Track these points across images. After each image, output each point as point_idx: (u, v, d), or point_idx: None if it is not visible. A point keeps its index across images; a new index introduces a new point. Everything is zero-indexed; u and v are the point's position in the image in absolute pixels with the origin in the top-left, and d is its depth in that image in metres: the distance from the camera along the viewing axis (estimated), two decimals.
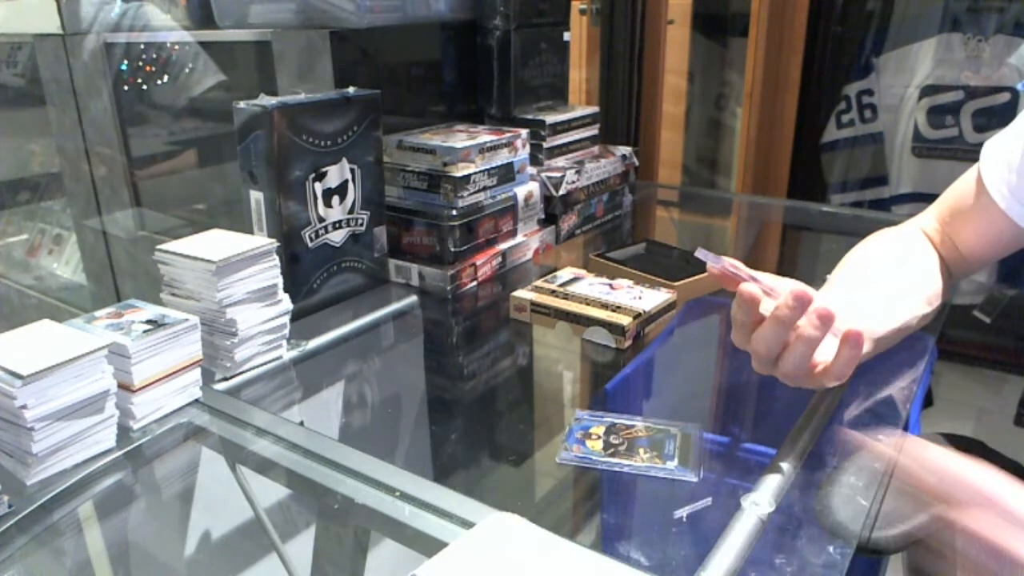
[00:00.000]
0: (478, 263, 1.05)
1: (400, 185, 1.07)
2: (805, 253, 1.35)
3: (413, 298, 1.02)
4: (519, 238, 1.14)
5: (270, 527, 0.65)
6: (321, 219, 0.94)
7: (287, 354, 0.85)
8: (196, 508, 0.71)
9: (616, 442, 0.66)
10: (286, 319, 0.83)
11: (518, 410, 0.81)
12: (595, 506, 0.65)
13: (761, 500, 0.55)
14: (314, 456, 0.65)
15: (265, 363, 0.82)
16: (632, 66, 1.78)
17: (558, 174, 1.18)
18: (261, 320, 0.80)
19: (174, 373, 0.72)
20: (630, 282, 0.96)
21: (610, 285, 0.95)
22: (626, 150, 1.36)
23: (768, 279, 0.60)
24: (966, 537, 0.48)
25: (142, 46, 1.40)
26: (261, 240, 0.79)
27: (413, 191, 1.06)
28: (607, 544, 0.60)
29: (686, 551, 0.57)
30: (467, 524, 0.55)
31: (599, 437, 0.67)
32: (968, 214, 0.75)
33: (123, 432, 0.69)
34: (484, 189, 1.07)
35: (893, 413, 0.69)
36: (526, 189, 1.14)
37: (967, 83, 2.08)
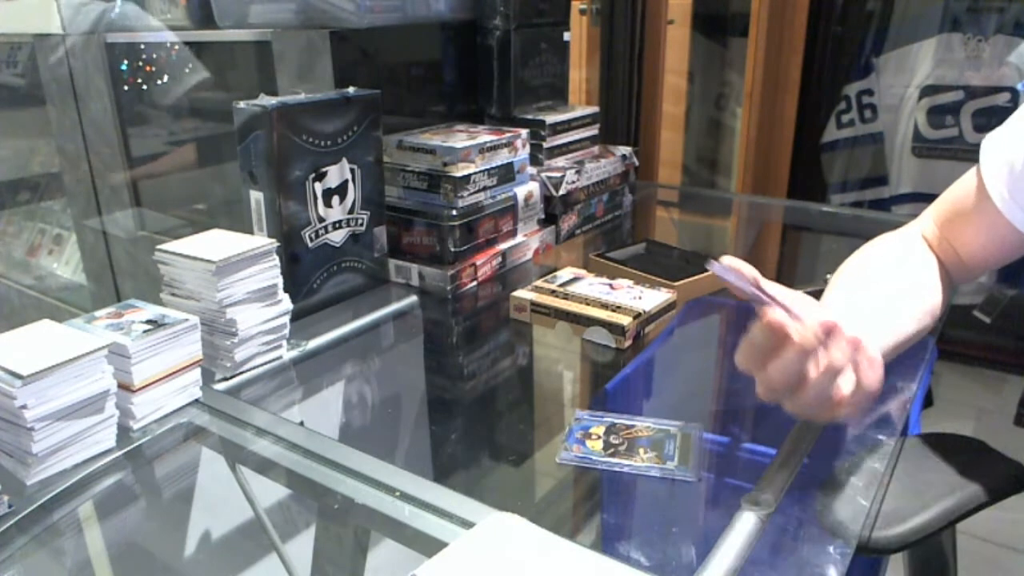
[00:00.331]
0: (478, 263, 1.05)
1: (400, 185, 1.07)
2: (805, 253, 1.35)
3: (413, 298, 1.02)
4: (519, 238, 1.14)
5: (270, 527, 0.65)
6: (321, 219, 0.94)
7: (287, 354, 0.85)
8: (196, 508, 0.71)
9: (616, 442, 0.66)
10: (286, 319, 0.83)
11: (518, 410, 0.81)
12: (595, 506, 0.65)
13: (761, 500, 0.55)
14: (314, 456, 0.65)
15: (265, 363, 0.82)
16: (632, 66, 1.78)
17: (558, 174, 1.19)
18: (261, 320, 0.80)
19: (174, 373, 0.72)
20: (630, 282, 0.96)
21: (610, 285, 0.95)
22: (626, 150, 1.36)
23: (781, 294, 0.57)
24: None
25: (142, 46, 1.40)
26: (261, 240, 0.79)
27: (413, 191, 1.06)
28: (607, 544, 0.59)
29: (686, 551, 0.57)
30: (467, 524, 0.55)
31: (599, 437, 0.67)
32: (968, 218, 0.73)
33: (123, 432, 0.69)
34: (484, 189, 1.07)
35: (893, 413, 0.69)
36: (526, 189, 1.14)
37: (967, 83, 2.08)
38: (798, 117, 2.17)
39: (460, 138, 1.06)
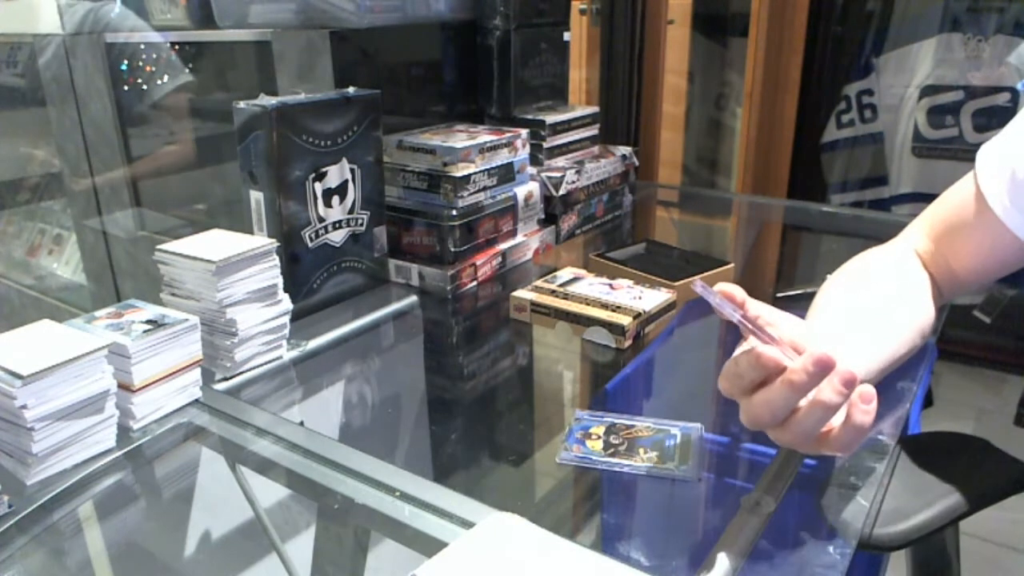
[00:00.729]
0: (478, 263, 1.05)
1: (400, 185, 1.07)
2: (805, 253, 1.35)
3: (413, 298, 1.02)
4: (519, 238, 1.14)
5: (270, 527, 0.65)
6: (321, 219, 0.94)
7: (287, 354, 0.85)
8: (196, 508, 0.71)
9: (616, 442, 0.66)
10: (286, 319, 0.83)
11: (518, 410, 0.81)
12: (595, 506, 0.65)
13: (761, 500, 0.55)
14: (314, 456, 0.65)
15: (265, 363, 0.82)
16: (632, 66, 1.78)
17: (558, 174, 1.18)
18: (261, 320, 0.80)
19: (174, 373, 0.72)
20: (630, 282, 0.96)
21: (610, 285, 0.95)
22: (626, 150, 1.36)
23: (768, 315, 0.55)
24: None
25: (142, 46, 1.40)
26: (261, 240, 0.79)
27: (413, 191, 1.06)
28: (607, 544, 0.59)
29: (686, 551, 0.57)
30: (467, 524, 0.55)
31: (599, 437, 0.67)
32: (965, 229, 0.70)
33: (123, 432, 0.69)
34: (484, 189, 1.07)
35: (893, 413, 0.69)
36: (526, 189, 1.14)
37: (967, 83, 2.08)
38: (798, 117, 2.17)
39: (460, 138, 1.06)
